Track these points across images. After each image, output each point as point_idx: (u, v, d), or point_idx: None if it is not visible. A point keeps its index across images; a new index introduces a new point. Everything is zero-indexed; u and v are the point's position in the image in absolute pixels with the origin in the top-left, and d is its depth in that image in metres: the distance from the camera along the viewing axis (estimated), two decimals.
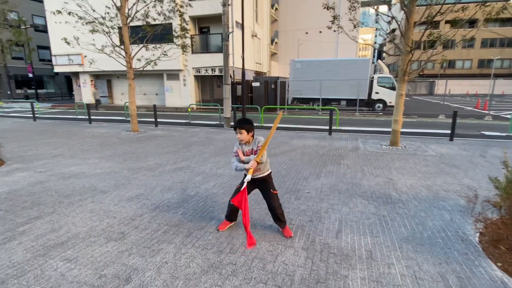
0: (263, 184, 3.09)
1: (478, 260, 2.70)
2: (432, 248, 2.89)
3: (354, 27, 7.50)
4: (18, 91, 30.69)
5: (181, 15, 10.21)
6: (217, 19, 18.62)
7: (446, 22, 34.36)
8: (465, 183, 4.83)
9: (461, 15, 7.06)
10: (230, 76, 14.23)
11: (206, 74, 19.59)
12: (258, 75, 24.27)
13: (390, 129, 7.77)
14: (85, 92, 23.00)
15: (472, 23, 7.56)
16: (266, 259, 2.72)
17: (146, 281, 2.41)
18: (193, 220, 3.52)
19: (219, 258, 2.73)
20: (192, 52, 19.15)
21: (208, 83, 21.86)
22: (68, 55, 20.82)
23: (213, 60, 18.73)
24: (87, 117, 12.67)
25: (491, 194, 3.79)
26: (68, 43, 9.21)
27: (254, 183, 3.06)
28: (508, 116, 14.12)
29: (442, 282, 2.39)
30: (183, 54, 11.21)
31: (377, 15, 8.26)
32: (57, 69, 22.83)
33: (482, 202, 3.25)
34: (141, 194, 4.35)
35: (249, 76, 20.21)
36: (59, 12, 8.86)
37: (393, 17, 7.23)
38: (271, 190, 3.07)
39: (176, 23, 10.90)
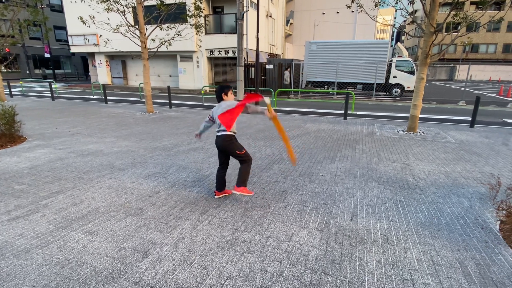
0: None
1: (498, 248, 2.64)
2: (450, 235, 2.83)
3: (376, 5, 7.16)
4: (36, 71, 31.40)
5: None
6: None
7: (471, 3, 32.44)
8: (486, 171, 4.68)
9: None
10: (244, 58, 14.01)
11: (219, 55, 19.37)
12: (272, 57, 23.81)
13: (407, 115, 7.55)
14: (101, 73, 23.24)
15: (498, 4, 7.07)
16: (281, 238, 2.74)
17: (163, 254, 2.48)
18: (208, 198, 3.57)
19: (234, 235, 2.77)
20: (206, 33, 18.90)
21: (221, 65, 21.67)
22: (83, 35, 20.93)
23: (227, 41, 18.45)
24: (103, 97, 12.84)
25: None
26: (84, 22, 9.21)
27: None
28: None
29: (460, 268, 2.35)
30: (196, 34, 11.05)
31: None
32: (73, 49, 23.07)
33: (506, 190, 3.14)
34: (157, 173, 4.42)
35: (263, 58, 19.85)
36: None
37: None
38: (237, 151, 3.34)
39: (190, 1, 10.69)
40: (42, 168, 4.59)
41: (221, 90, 3.31)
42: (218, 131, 3.32)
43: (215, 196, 3.58)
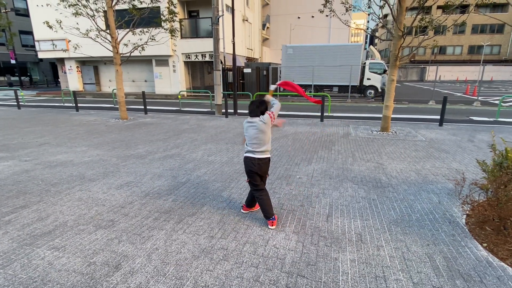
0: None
1: (464, 241, 2.76)
2: (420, 230, 2.94)
3: (346, 10, 7.38)
4: (1, 78, 29.62)
5: None
6: (206, 2, 18.11)
7: (438, 7, 34.23)
8: (453, 167, 4.91)
9: None
10: (221, 62, 13.98)
11: (196, 60, 19.19)
12: (250, 61, 23.91)
13: (381, 115, 7.80)
14: (72, 79, 22.33)
15: (463, 7, 7.52)
16: (257, 243, 2.72)
17: (136, 267, 2.39)
18: (184, 206, 3.49)
19: (210, 243, 2.73)
20: (181, 37, 18.68)
21: (198, 69, 21.45)
22: (52, 40, 19.99)
23: (204, 45, 18.31)
24: (74, 104, 12.34)
25: (478, 177, 3.87)
26: (51, 27, 8.83)
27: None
28: (496, 102, 14.34)
29: (430, 263, 2.44)
30: (171, 38, 10.88)
31: None
32: (41, 55, 22.02)
33: (470, 185, 3.31)
34: (130, 182, 4.28)
35: (241, 62, 19.89)
36: None
37: (385, 2, 7.12)
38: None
39: (163, 6, 10.54)
40: (5, 182, 4.31)
41: (258, 106, 2.98)
42: (253, 152, 2.92)
43: (242, 211, 3.38)
